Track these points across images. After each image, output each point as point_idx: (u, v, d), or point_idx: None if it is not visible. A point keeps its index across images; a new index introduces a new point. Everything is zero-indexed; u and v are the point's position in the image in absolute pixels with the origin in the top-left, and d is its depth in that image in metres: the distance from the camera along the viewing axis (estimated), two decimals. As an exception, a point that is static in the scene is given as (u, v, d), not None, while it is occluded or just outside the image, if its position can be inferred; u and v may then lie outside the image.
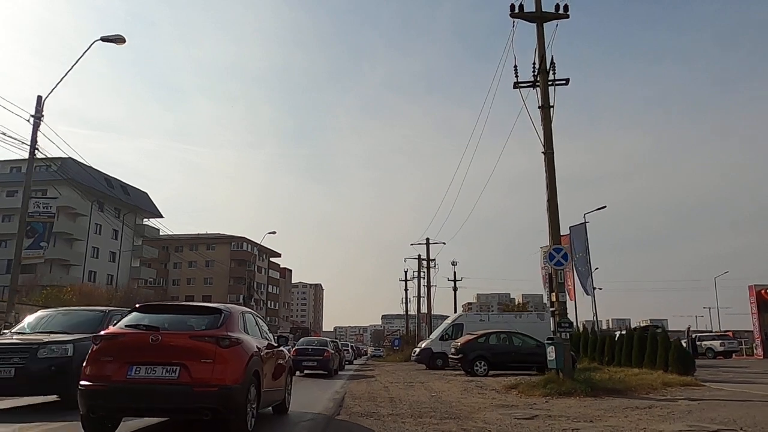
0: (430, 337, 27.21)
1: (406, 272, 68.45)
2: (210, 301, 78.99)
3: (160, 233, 72.51)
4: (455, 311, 75.73)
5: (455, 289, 66.18)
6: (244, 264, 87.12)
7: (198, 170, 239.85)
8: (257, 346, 7.45)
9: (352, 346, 73.64)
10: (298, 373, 21.13)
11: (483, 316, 26.67)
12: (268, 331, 9.16)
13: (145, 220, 73.71)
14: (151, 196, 75.28)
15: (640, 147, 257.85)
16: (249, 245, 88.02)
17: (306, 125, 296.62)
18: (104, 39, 17.87)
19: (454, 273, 64.61)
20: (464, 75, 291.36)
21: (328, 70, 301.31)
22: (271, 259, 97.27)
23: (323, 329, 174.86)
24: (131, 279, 70.44)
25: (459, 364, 20.75)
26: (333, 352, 23.21)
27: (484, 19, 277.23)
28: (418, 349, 26.31)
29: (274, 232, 47.09)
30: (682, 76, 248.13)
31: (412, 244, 48.48)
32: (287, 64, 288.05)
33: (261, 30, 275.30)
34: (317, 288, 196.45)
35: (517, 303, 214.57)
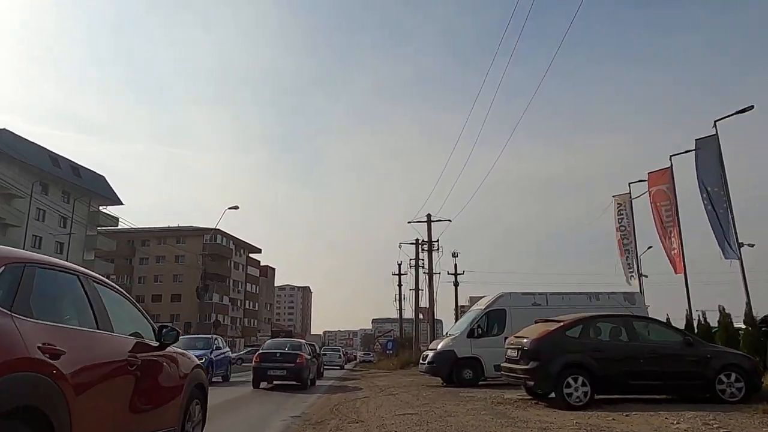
0: (449, 332, 16.37)
1: (400, 265, 57.54)
2: (180, 301, 66.25)
3: (126, 225, 61.77)
4: (456, 310, 64.96)
5: (456, 284, 55.53)
6: (218, 259, 76.14)
7: (187, 174, 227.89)
8: (52, 346, 3.21)
9: (344, 351, 63.15)
10: (264, 384, 17.04)
11: (537, 298, 15.96)
12: (140, 319, 4.83)
13: (101, 207, 62.86)
14: (108, 180, 63.94)
15: (627, 151, 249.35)
16: (224, 238, 76.99)
17: (295, 129, 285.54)
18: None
19: (455, 265, 53.94)
20: (454, 80, 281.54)
21: (318, 74, 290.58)
22: (251, 255, 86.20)
23: (312, 333, 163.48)
24: (83, 274, 59.08)
25: (526, 380, 10.03)
26: (309, 357, 18.11)
27: (474, 23, 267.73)
28: (430, 353, 15.51)
29: (236, 207, 36.11)
30: (670, 81, 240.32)
31: (409, 222, 37.78)
32: (276, 68, 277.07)
33: (249, 34, 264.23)
34: (305, 291, 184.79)
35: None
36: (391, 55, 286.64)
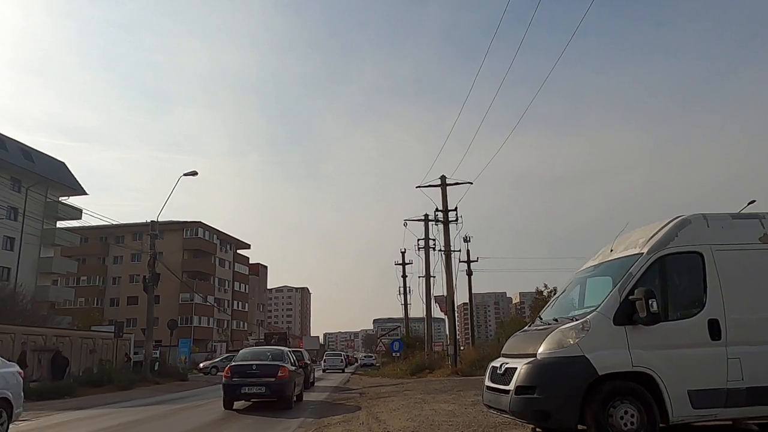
0: (556, 315, 7.04)
1: (404, 253, 48.55)
2: (158, 303, 57.27)
3: (96, 220, 52.50)
4: (471, 304, 55.70)
5: (469, 273, 46.45)
6: (200, 255, 66.74)
7: (186, 179, 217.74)
8: None
9: (345, 355, 56.36)
10: (243, 403, 14.56)
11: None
12: None
13: (62, 198, 53.51)
14: (69, 166, 54.54)
15: (634, 141, 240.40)
16: (207, 232, 67.55)
17: (294, 131, 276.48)
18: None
19: (468, 252, 44.93)
20: (454, 77, 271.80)
21: (316, 75, 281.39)
22: (240, 252, 76.64)
23: (311, 335, 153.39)
24: (40, 273, 49.94)
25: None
26: (293, 369, 14.75)
27: (474, 19, 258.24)
28: (518, 365, 6.10)
29: (194, 173, 26.99)
30: (676, 67, 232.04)
31: (418, 187, 28.33)
32: (274, 70, 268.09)
33: (241, 39, 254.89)
34: (303, 292, 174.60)
35: (514, 303, 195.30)
36: (390, 53, 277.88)
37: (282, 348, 17.71)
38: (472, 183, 28.02)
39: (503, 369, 6.48)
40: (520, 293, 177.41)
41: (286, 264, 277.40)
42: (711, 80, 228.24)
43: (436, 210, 28.31)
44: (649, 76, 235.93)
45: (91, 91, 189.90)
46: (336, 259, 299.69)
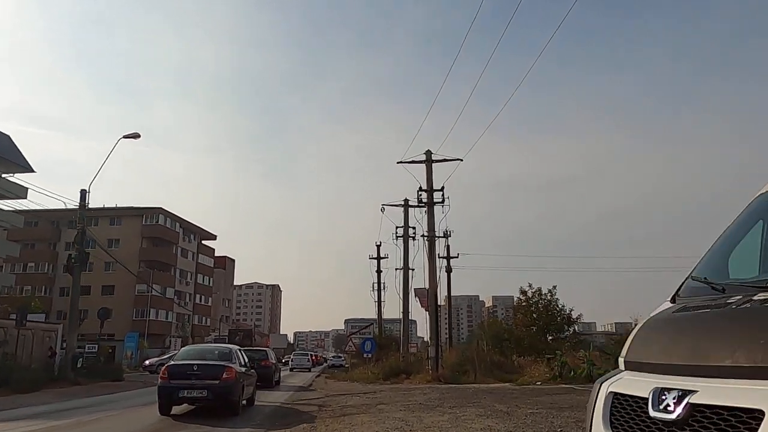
0: (744, 250, 3.18)
1: (379, 246, 44.26)
2: (112, 294, 51.47)
3: (51, 203, 47.10)
4: (449, 303, 51.74)
5: (449, 270, 42.49)
6: (161, 244, 61.55)
7: (158, 174, 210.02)
8: None
9: (312, 355, 55.15)
10: (185, 407, 12.68)
11: None
12: None
13: (6, 175, 47.93)
14: (14, 140, 48.81)
15: (622, 144, 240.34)
16: (168, 219, 62.33)
17: (273, 128, 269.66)
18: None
19: (448, 247, 40.99)
20: (432, 79, 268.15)
21: (292, 73, 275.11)
22: (205, 243, 71.40)
23: (281, 333, 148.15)
24: (-24, 257, 44.46)
25: None
26: (242, 369, 13.13)
27: (460, 18, 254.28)
28: (764, 404, 2.24)
29: (137, 135, 22.01)
30: (669, 67, 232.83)
31: (399, 162, 23.95)
32: (249, 66, 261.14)
33: (221, 32, 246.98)
34: (274, 289, 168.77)
35: (486, 306, 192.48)
36: (363, 54, 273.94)
37: (230, 346, 15.73)
38: (462, 160, 24.14)
39: (682, 407, 2.19)
40: (492, 297, 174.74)
41: (263, 261, 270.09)
42: (703, 81, 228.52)
43: (420, 190, 24.18)
44: (644, 78, 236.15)
45: (62, 81, 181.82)
46: (312, 258, 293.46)
